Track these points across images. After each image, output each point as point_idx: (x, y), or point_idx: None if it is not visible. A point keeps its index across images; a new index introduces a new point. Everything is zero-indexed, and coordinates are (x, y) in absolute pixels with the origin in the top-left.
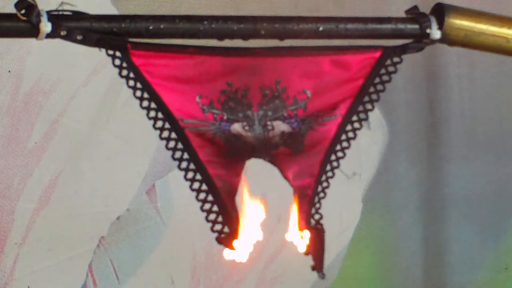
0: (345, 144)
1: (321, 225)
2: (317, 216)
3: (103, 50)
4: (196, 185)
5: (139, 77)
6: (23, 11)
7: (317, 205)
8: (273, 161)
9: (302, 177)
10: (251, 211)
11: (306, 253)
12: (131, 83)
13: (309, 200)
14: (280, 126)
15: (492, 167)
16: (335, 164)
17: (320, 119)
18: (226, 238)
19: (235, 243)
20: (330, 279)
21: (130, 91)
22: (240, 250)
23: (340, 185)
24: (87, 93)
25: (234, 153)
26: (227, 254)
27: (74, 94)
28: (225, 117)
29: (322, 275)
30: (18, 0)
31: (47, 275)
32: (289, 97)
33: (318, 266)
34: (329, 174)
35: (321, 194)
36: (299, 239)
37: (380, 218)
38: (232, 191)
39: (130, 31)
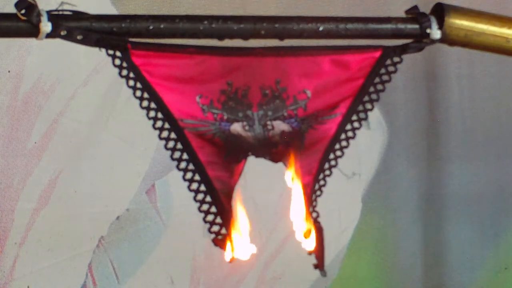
0: (344, 143)
1: (319, 223)
2: (314, 214)
3: (103, 50)
4: (194, 185)
5: (139, 77)
6: (23, 11)
7: (314, 203)
8: (274, 159)
9: (302, 175)
10: (244, 214)
11: (309, 252)
12: (131, 83)
13: (308, 198)
14: (280, 126)
15: (492, 167)
16: (333, 163)
17: (320, 118)
18: (222, 240)
19: (231, 245)
20: (330, 279)
21: (130, 91)
22: (237, 252)
23: (340, 185)
24: (87, 93)
25: (234, 153)
26: (226, 254)
27: (74, 94)
28: (225, 117)
29: (323, 273)
30: (18, 0)
31: (47, 275)
32: (289, 97)
33: (319, 264)
34: (327, 172)
35: (318, 192)
36: (304, 237)
37: (380, 218)
38: (231, 192)
39: (130, 31)
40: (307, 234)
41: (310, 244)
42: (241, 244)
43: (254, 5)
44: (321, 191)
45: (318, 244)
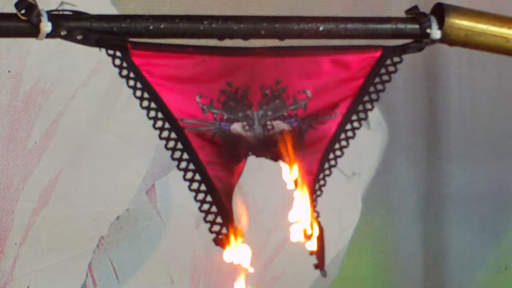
0: (343, 143)
1: (319, 222)
2: (314, 214)
3: (103, 50)
4: (195, 185)
5: (139, 77)
6: (23, 11)
7: (314, 203)
8: (274, 159)
9: (302, 175)
10: (244, 213)
11: (311, 252)
12: (131, 83)
13: (309, 198)
14: (280, 126)
15: (492, 167)
16: (332, 162)
17: (320, 118)
18: (223, 239)
19: (231, 244)
20: (330, 279)
21: (130, 91)
22: (237, 252)
23: (340, 185)
24: (87, 93)
25: (234, 153)
26: (227, 256)
27: (74, 94)
28: (225, 117)
29: (324, 273)
30: (18, 0)
31: (46, 275)
32: (289, 96)
33: (320, 264)
34: (327, 172)
35: (318, 192)
36: (306, 237)
37: (380, 218)
38: (231, 192)
39: (130, 31)
40: (309, 234)
41: (312, 244)
42: (242, 244)
43: (254, 5)
44: (321, 191)
45: (318, 244)
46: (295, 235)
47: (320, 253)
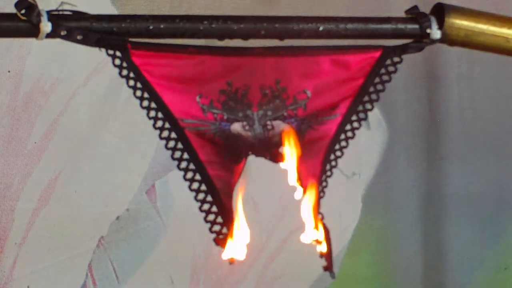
0: (343, 143)
1: (324, 224)
2: (319, 216)
3: (103, 50)
4: (195, 185)
5: (139, 77)
6: (23, 11)
7: (318, 205)
8: (273, 159)
9: (306, 177)
10: (244, 214)
11: (321, 255)
12: (131, 83)
13: (316, 200)
14: (280, 126)
15: (492, 167)
16: (333, 163)
17: (320, 118)
18: (224, 239)
19: (231, 243)
20: (330, 279)
21: (130, 91)
22: (236, 250)
23: (340, 185)
24: (87, 93)
25: (234, 153)
26: (225, 254)
27: (74, 94)
28: (225, 117)
29: (333, 275)
30: (18, 0)
31: (46, 275)
32: (289, 96)
33: (329, 266)
34: (328, 173)
35: (321, 194)
36: (316, 240)
37: (380, 218)
38: (231, 192)
39: (130, 31)
40: (319, 237)
41: (321, 246)
42: (242, 243)
43: (253, 5)
44: (324, 193)
45: (326, 246)
46: (306, 238)
47: (328, 255)
